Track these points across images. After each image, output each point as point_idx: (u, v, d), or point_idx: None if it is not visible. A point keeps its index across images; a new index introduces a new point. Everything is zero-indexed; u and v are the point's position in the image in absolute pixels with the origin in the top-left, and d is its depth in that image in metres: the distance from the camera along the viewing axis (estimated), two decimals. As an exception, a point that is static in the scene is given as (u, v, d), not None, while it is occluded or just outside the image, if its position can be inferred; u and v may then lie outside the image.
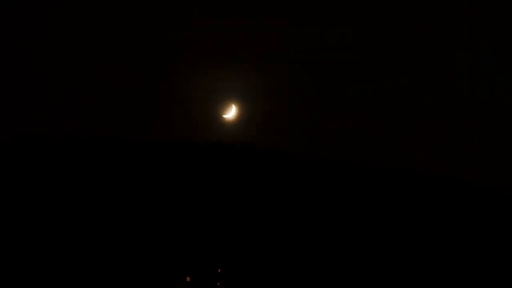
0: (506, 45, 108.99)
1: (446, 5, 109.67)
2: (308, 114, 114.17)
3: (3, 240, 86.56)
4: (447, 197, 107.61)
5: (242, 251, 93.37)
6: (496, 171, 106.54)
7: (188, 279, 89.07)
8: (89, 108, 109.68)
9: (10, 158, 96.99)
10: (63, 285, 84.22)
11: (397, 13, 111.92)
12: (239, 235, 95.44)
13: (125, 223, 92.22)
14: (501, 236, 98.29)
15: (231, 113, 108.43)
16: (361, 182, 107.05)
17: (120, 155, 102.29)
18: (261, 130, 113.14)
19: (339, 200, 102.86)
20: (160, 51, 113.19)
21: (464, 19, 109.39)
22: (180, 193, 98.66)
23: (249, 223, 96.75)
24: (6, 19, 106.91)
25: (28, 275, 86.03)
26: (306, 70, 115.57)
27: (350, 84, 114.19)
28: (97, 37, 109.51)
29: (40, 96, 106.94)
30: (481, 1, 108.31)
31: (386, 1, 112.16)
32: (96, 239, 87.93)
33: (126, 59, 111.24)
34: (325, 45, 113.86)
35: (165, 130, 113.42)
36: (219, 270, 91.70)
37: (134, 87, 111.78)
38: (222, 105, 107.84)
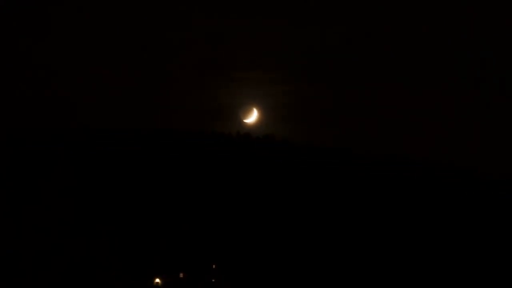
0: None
1: (446, 5, 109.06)
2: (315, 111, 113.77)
3: (3, 240, 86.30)
4: (458, 188, 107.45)
5: (238, 248, 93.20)
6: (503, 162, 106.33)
7: (181, 275, 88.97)
8: (99, 107, 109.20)
9: (10, 158, 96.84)
10: (63, 285, 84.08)
11: (397, 13, 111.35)
12: (235, 232, 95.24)
13: (125, 223, 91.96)
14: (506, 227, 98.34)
15: (252, 117, 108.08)
16: (363, 174, 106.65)
17: (120, 155, 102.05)
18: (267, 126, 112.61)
19: (338, 196, 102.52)
20: (163, 51, 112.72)
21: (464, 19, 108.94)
22: (178, 192, 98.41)
23: (246, 220, 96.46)
24: (6, 19, 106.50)
25: (28, 274, 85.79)
26: (308, 70, 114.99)
27: (352, 85, 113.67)
28: (97, 37, 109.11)
29: (40, 96, 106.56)
30: (481, 1, 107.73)
31: (386, 1, 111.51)
32: (95, 239, 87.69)
33: (130, 60, 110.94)
34: (326, 45, 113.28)
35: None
36: (213, 266, 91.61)
37: (135, 86, 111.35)
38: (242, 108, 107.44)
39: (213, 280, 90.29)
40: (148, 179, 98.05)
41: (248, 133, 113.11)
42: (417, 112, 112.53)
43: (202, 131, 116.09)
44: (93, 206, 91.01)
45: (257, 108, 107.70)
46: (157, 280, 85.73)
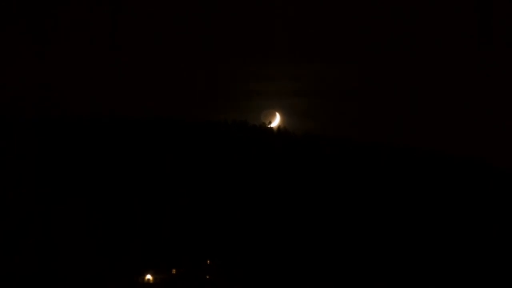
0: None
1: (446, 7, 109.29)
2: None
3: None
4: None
5: (234, 243, 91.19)
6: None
7: (174, 271, 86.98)
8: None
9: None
10: (56, 281, 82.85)
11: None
12: (231, 227, 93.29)
13: (115, 218, 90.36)
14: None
15: (275, 122, 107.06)
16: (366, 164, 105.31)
17: (112, 148, 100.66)
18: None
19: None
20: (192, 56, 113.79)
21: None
22: (171, 187, 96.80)
23: (241, 216, 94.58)
24: (6, 19, 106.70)
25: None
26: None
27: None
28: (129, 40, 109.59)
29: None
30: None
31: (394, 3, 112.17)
32: (88, 236, 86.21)
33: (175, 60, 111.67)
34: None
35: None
36: (208, 261, 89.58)
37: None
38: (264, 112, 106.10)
39: (207, 277, 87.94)
40: (142, 175, 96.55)
41: (245, 121, 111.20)
42: (427, 105, 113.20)
43: (197, 121, 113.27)
44: (86, 201, 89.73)
45: (279, 113, 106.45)
46: (148, 276, 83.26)
